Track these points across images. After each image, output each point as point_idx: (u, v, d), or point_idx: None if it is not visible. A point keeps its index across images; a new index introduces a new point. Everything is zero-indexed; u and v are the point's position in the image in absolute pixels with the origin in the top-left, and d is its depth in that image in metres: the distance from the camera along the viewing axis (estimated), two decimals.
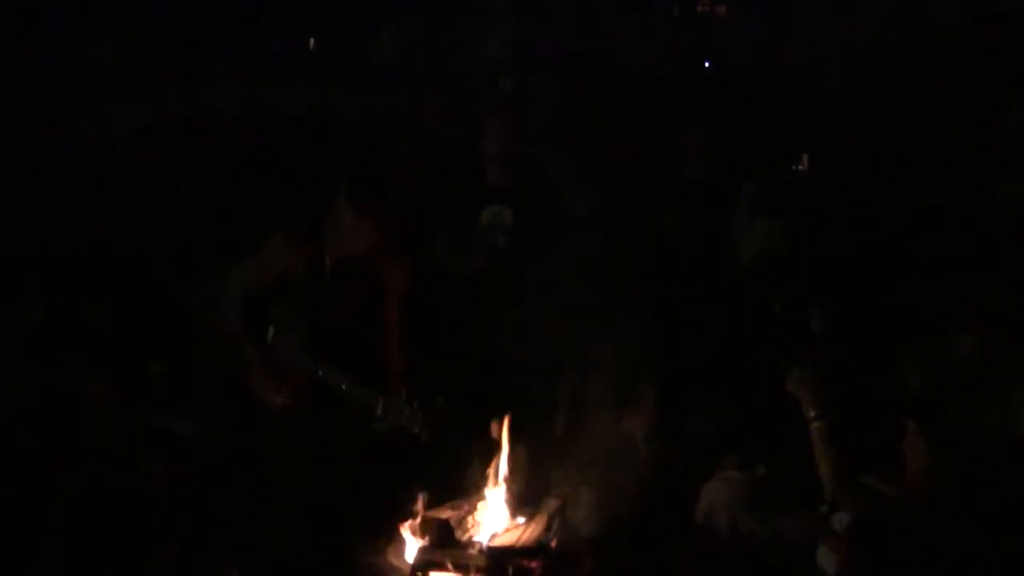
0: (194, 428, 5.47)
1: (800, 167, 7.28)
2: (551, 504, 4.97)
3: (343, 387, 4.95)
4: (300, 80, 7.64)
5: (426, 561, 4.69)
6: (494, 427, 5.10)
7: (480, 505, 4.96)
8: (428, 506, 4.93)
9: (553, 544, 4.80)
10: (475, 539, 4.80)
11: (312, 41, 8.25)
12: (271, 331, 5.11)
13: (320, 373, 4.97)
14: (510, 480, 5.00)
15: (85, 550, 4.99)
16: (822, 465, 4.52)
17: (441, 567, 4.67)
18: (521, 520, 4.93)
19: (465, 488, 5.05)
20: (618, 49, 8.10)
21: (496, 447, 5.03)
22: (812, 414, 4.55)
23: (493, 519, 4.92)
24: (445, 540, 4.76)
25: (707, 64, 8.36)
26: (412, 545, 4.81)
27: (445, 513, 4.90)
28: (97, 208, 6.66)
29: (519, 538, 4.78)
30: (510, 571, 4.64)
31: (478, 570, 4.64)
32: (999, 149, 7.24)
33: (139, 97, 7.67)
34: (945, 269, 6.25)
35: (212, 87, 7.55)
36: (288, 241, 5.14)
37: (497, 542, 4.76)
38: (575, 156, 6.68)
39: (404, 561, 4.75)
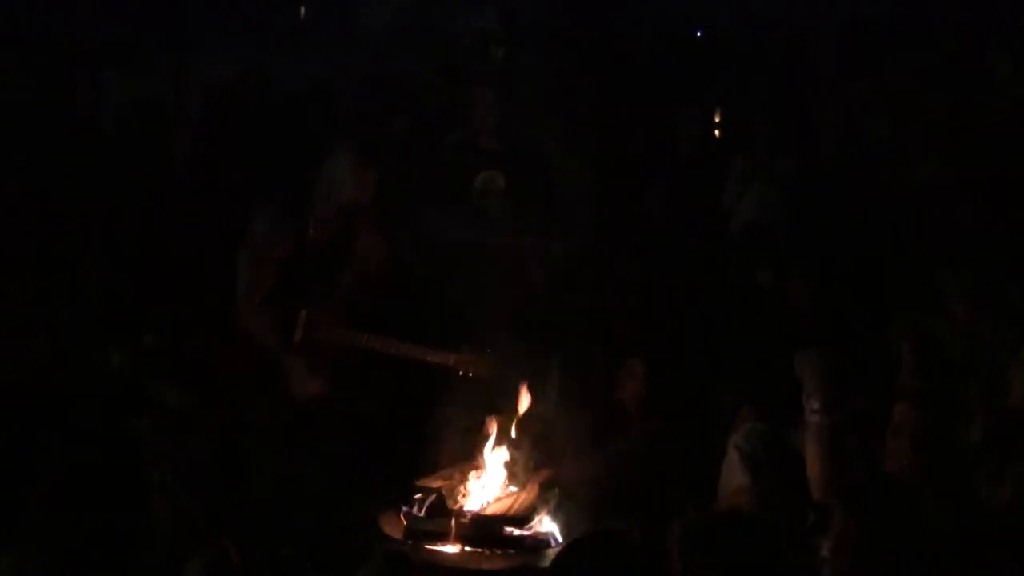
0: (187, 399, 5.47)
1: (794, 138, 7.26)
2: (543, 473, 4.97)
3: (406, 351, 5.10)
4: (291, 48, 7.60)
5: (418, 530, 4.71)
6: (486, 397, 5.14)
7: (472, 475, 4.97)
8: (420, 476, 4.94)
9: (545, 513, 4.80)
10: (467, 508, 4.81)
11: (302, 10, 8.21)
12: (302, 317, 5.16)
13: (377, 344, 5.15)
14: (502, 449, 5.01)
15: (77, 522, 4.98)
16: (812, 465, 4.31)
17: (433, 536, 4.68)
18: (513, 489, 4.94)
19: (456, 458, 5.04)
20: (610, 18, 8.08)
21: (488, 417, 5.05)
22: (815, 406, 4.23)
23: (485, 489, 4.93)
24: (437, 510, 4.78)
25: (699, 34, 8.34)
26: (404, 514, 4.82)
27: (437, 483, 4.90)
28: (90, 179, 6.62)
29: (511, 507, 4.79)
30: (501, 540, 4.65)
31: (469, 539, 4.65)
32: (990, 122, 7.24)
33: (129, 66, 7.62)
34: (938, 243, 6.27)
35: (202, 55, 7.51)
36: (280, 216, 5.20)
37: (489, 511, 4.78)
38: (566, 127, 6.68)
39: (396, 530, 4.75)
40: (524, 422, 5.04)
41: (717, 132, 7.35)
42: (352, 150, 5.27)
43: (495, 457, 4.99)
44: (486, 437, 5.01)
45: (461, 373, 5.18)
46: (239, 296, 5.31)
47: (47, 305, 5.64)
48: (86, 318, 5.68)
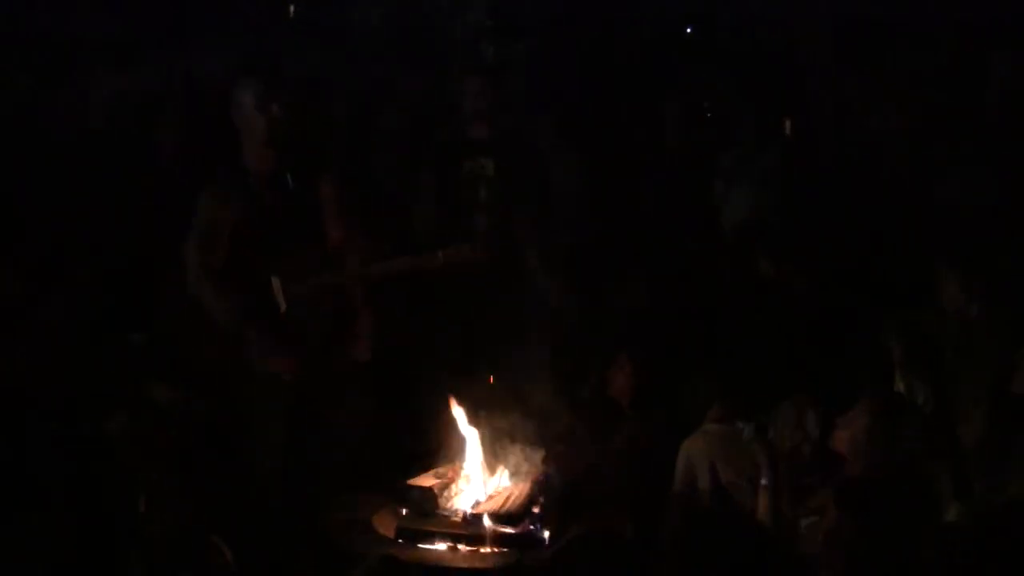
0: (175, 395, 5.43)
1: (783, 134, 7.24)
2: (535, 471, 4.94)
3: (392, 267, 5.13)
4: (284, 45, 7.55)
5: (410, 529, 4.68)
6: (476, 393, 5.11)
7: (464, 472, 4.94)
8: (411, 474, 4.91)
9: (537, 510, 4.77)
10: (459, 507, 4.79)
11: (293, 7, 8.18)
12: (275, 285, 5.10)
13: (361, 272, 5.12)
14: (494, 447, 4.99)
15: (68, 526, 4.95)
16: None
17: (425, 535, 4.65)
18: (505, 486, 4.92)
19: (448, 455, 5.02)
20: (604, 13, 8.06)
21: (479, 414, 5.03)
22: (763, 482, 4.58)
23: (477, 486, 4.90)
24: (429, 508, 4.76)
25: (689, 30, 8.32)
26: (396, 513, 4.79)
27: (429, 480, 4.88)
28: (76, 177, 6.59)
29: (503, 505, 4.76)
30: (493, 538, 4.62)
31: (462, 537, 4.63)
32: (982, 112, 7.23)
33: (123, 65, 7.57)
34: (934, 238, 6.26)
35: (191, 52, 7.45)
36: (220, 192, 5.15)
37: (481, 509, 4.75)
38: (557, 120, 6.65)
39: (388, 529, 4.73)
40: (517, 420, 5.02)
41: (709, 128, 7.32)
42: (249, 88, 5.17)
43: (488, 455, 4.97)
44: (479, 435, 4.99)
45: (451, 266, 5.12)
46: (189, 276, 5.18)
47: (39, 305, 5.61)
48: (79, 317, 5.65)
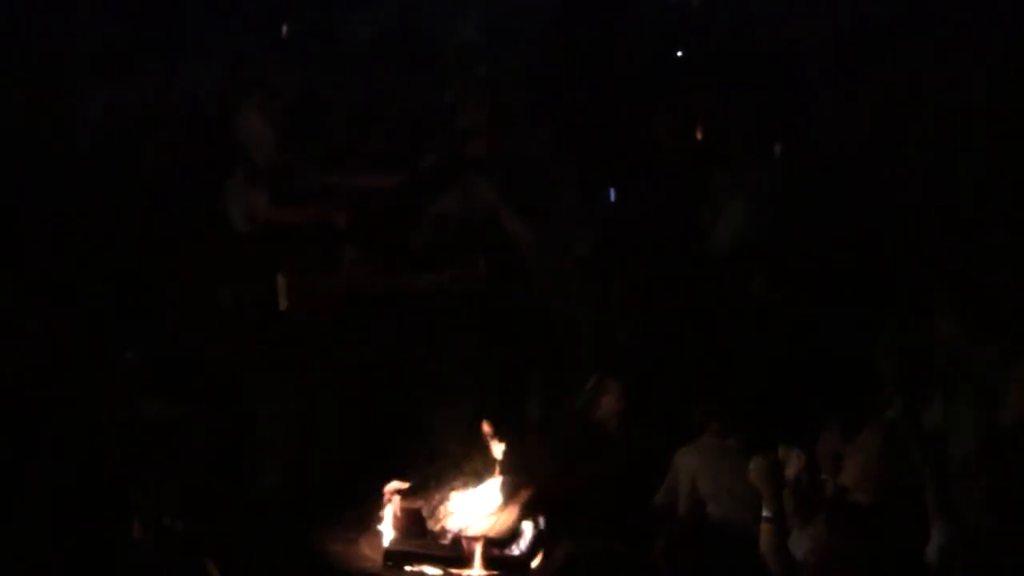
0: (172, 413, 5.46)
1: (776, 150, 7.21)
2: (524, 493, 4.95)
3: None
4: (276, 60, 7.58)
5: (398, 551, 4.70)
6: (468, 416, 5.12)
7: (452, 495, 4.95)
8: (400, 496, 4.92)
9: (526, 533, 4.78)
10: (447, 529, 4.79)
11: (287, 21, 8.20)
12: (281, 284, 5.16)
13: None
14: (483, 469, 5.00)
15: (63, 539, 4.99)
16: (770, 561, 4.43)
17: (413, 557, 4.67)
18: (494, 509, 4.92)
19: (438, 478, 5.02)
20: (595, 26, 8.07)
21: (469, 437, 5.03)
22: (766, 514, 4.41)
23: (465, 508, 4.90)
24: (417, 530, 4.77)
25: (680, 53, 8.31)
26: (385, 535, 4.81)
27: (417, 503, 4.88)
28: (68, 192, 6.63)
29: (491, 527, 4.77)
30: (482, 560, 4.64)
31: (450, 560, 4.64)
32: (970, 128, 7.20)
33: (119, 77, 7.62)
34: (925, 254, 6.23)
35: (185, 67, 7.50)
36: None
37: (469, 531, 4.75)
38: (552, 135, 6.65)
39: (377, 551, 4.75)
40: (506, 442, 5.03)
41: (705, 138, 7.31)
42: (247, 101, 5.29)
43: (476, 477, 4.98)
44: (468, 457, 5.00)
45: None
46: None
47: (40, 309, 5.66)
48: (79, 320, 5.69)
